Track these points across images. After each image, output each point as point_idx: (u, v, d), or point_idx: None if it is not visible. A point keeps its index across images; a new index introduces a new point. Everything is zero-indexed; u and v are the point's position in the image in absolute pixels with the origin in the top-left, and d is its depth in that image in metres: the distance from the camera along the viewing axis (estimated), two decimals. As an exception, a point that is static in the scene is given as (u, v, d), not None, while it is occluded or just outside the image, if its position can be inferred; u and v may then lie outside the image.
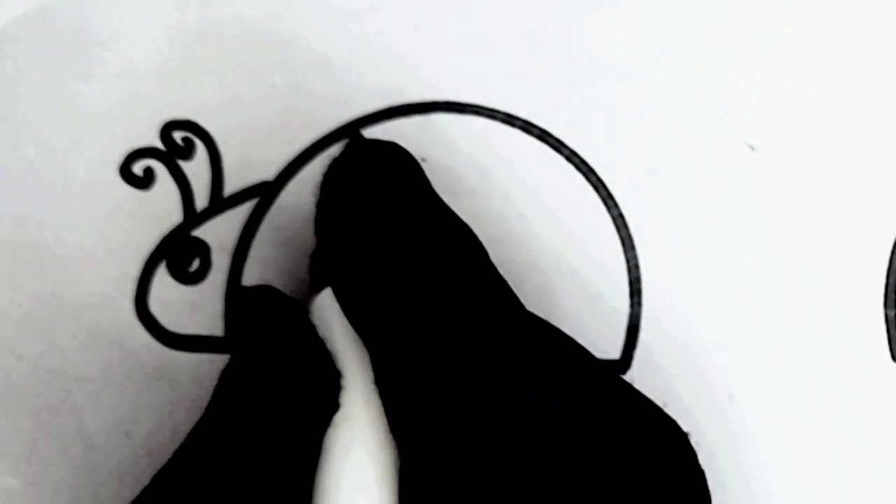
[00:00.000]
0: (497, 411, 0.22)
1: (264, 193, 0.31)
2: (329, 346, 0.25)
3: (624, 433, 0.22)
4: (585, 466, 0.21)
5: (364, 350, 0.24)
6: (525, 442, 0.21)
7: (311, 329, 0.25)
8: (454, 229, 0.26)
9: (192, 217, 0.31)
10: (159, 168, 0.31)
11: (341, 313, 0.25)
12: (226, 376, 0.25)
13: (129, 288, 0.31)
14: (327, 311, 0.25)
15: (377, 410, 0.24)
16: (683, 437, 0.23)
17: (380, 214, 0.25)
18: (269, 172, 0.31)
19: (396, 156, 0.27)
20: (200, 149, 0.31)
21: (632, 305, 0.30)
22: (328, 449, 0.23)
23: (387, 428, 0.23)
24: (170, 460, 0.24)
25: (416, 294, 0.24)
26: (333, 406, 0.24)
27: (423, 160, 0.29)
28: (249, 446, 0.23)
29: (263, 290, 0.26)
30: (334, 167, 0.26)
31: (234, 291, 0.25)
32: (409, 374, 0.23)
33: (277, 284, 0.30)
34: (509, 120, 0.31)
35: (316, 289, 0.27)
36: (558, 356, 0.24)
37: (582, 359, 0.24)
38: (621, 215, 0.31)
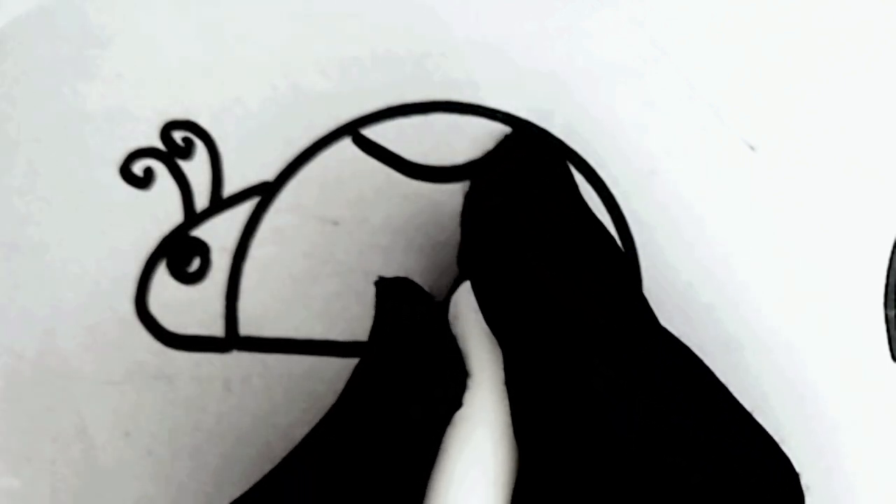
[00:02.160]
0: (619, 426, 0.22)
1: (264, 193, 0.31)
2: (461, 344, 0.25)
3: (740, 466, 0.22)
4: (696, 492, 0.21)
5: (497, 349, 0.24)
6: (641, 460, 0.21)
7: (444, 326, 0.25)
8: (600, 235, 0.26)
9: (192, 217, 0.31)
10: (159, 168, 0.31)
11: (478, 309, 0.25)
12: (359, 366, 0.25)
13: (129, 288, 0.31)
14: (463, 308, 0.25)
15: (502, 412, 0.24)
16: (795, 477, 0.23)
17: (527, 215, 0.25)
18: (269, 172, 0.31)
19: (548, 156, 0.27)
20: (200, 149, 0.31)
21: (632, 305, 0.30)
22: (446, 446, 0.23)
23: (509, 430, 0.23)
24: (296, 447, 0.24)
25: (557, 297, 0.23)
26: (455, 404, 0.24)
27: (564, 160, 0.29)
28: (370, 438, 0.23)
29: (402, 283, 0.26)
30: (487, 160, 0.26)
31: (376, 283, 0.26)
32: (540, 377, 0.23)
33: (277, 284, 0.30)
34: (509, 120, 0.31)
35: (458, 280, 0.27)
36: (686, 379, 0.23)
37: (709, 382, 0.24)
38: (621, 215, 0.31)
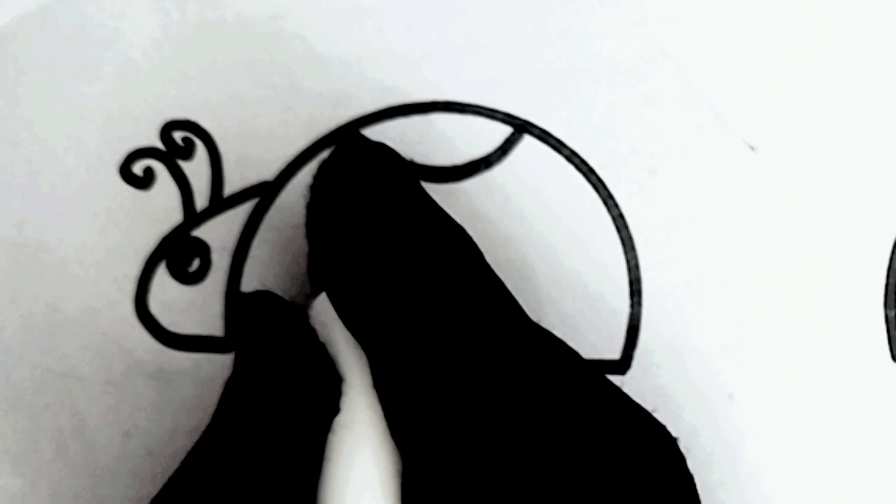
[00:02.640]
0: (491, 417, 0.22)
1: (264, 193, 0.31)
2: (330, 350, 0.25)
3: (613, 438, 0.22)
4: (576, 472, 0.21)
5: (364, 354, 0.24)
6: (518, 447, 0.21)
7: (312, 333, 0.25)
8: (449, 231, 0.26)
9: (192, 217, 0.31)
10: (159, 168, 0.31)
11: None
12: (229, 385, 0.25)
13: (129, 288, 0.31)
14: (325, 315, 0.25)
15: (378, 414, 0.24)
16: (672, 441, 0.23)
17: (372, 217, 0.25)
18: (269, 172, 0.31)
19: (387, 157, 0.27)
20: (200, 149, 0.31)
21: (632, 305, 0.30)
22: (330, 453, 0.23)
23: (387, 432, 0.23)
24: (176, 470, 0.24)
25: (412, 297, 0.24)
26: (333, 410, 0.24)
27: (412, 160, 0.29)
28: (251, 453, 0.23)
29: (262, 296, 0.26)
30: (324, 170, 0.26)
31: (234, 297, 0.26)
32: (405, 378, 0.23)
33: (278, 285, 0.30)
34: (509, 120, 0.31)
35: (314, 292, 0.27)
36: (552, 362, 0.24)
37: (575, 365, 0.24)
38: (621, 215, 0.31)
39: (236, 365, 0.25)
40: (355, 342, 0.25)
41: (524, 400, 0.22)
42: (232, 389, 0.25)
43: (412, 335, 0.23)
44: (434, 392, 0.23)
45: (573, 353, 0.24)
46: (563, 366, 0.24)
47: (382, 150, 0.27)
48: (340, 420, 0.24)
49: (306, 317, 0.26)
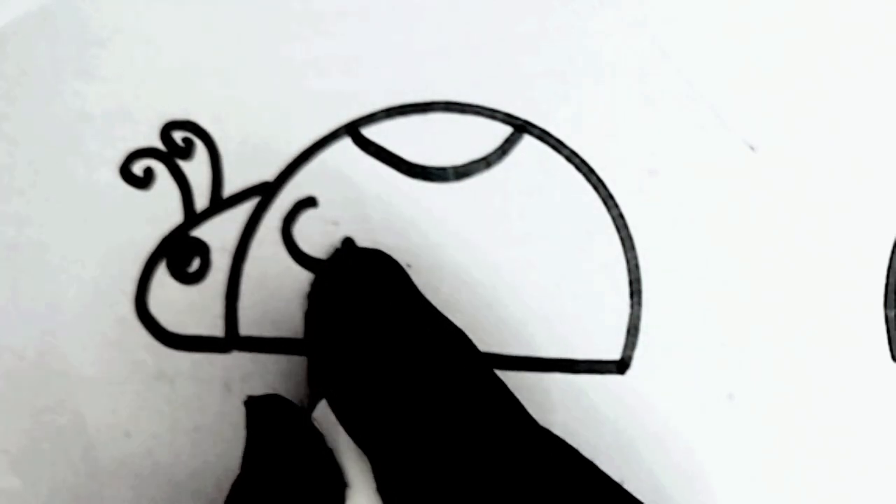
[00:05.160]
0: None
1: (264, 193, 0.31)
2: (336, 456, 0.25)
3: None
4: None
5: (367, 458, 0.25)
6: None
7: (319, 439, 0.25)
8: (449, 336, 0.26)
9: (192, 217, 0.31)
10: (159, 168, 0.31)
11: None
12: (235, 486, 0.25)
13: (129, 288, 0.31)
14: (327, 421, 0.26)
15: None
16: None
17: (370, 325, 0.25)
18: (269, 172, 0.31)
19: (382, 264, 0.27)
20: (200, 149, 0.31)
21: (632, 305, 0.30)
22: None
23: None
24: None
25: (413, 403, 0.24)
26: None
27: (409, 266, 0.29)
28: None
29: (272, 400, 0.26)
30: (321, 279, 0.27)
31: (246, 402, 0.26)
32: (409, 483, 0.23)
33: (277, 284, 0.30)
34: (509, 120, 0.31)
35: (314, 398, 0.27)
36: (555, 465, 0.24)
37: (578, 466, 0.24)
38: (621, 215, 0.31)
39: (244, 466, 0.25)
40: (357, 448, 0.25)
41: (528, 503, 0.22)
42: (238, 491, 0.25)
43: (414, 440, 0.23)
44: (437, 497, 0.23)
45: (575, 454, 0.24)
46: (566, 467, 0.24)
47: (378, 257, 0.27)
48: None
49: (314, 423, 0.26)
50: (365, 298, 0.26)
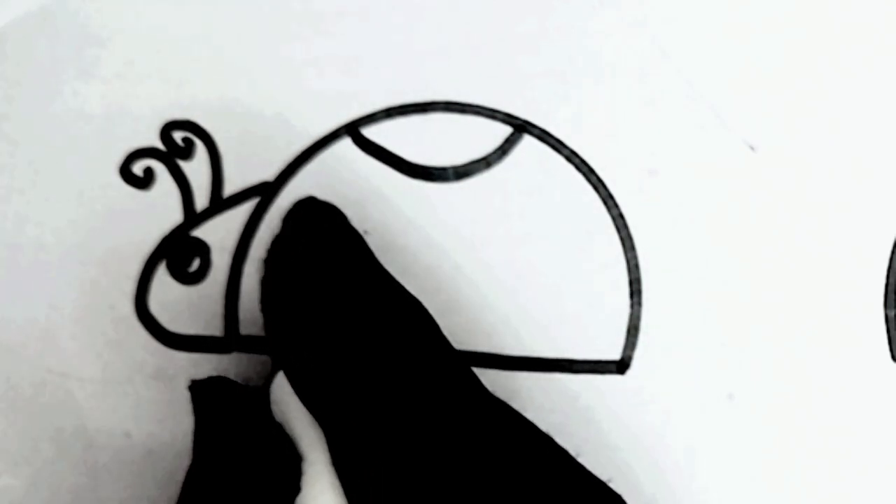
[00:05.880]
0: (449, 493, 0.22)
1: (264, 193, 0.31)
2: (288, 430, 0.25)
3: None
4: None
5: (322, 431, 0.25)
6: None
7: (268, 415, 0.25)
8: (404, 303, 0.26)
9: (192, 217, 0.31)
10: (159, 168, 0.31)
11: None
12: (189, 474, 0.25)
13: (129, 288, 0.31)
14: (284, 393, 0.25)
15: (339, 491, 0.24)
16: None
17: (325, 293, 0.25)
18: (269, 172, 0.31)
19: (338, 227, 0.27)
20: (200, 149, 0.31)
21: (632, 305, 0.30)
22: None
23: None
24: None
25: (367, 373, 0.24)
26: (294, 489, 0.24)
27: (366, 232, 0.29)
28: None
29: (216, 382, 0.26)
30: (276, 243, 0.27)
31: (190, 388, 0.26)
32: (364, 455, 0.23)
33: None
34: (509, 120, 0.31)
35: (273, 369, 0.27)
36: (508, 436, 0.24)
37: (531, 438, 0.24)
38: (621, 215, 0.31)
39: (195, 454, 0.25)
40: (314, 420, 0.25)
41: (481, 474, 0.22)
42: (192, 478, 0.25)
43: (369, 411, 0.23)
44: (392, 468, 0.22)
45: (530, 426, 0.24)
46: (519, 439, 0.24)
47: (333, 215, 0.27)
48: (302, 499, 0.24)
49: (262, 399, 0.26)
50: (320, 265, 0.26)
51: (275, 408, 0.26)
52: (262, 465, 0.24)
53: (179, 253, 0.31)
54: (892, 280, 0.30)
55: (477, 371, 0.25)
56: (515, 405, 0.24)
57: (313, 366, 0.24)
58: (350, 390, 0.24)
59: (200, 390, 0.26)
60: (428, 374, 0.24)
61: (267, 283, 0.27)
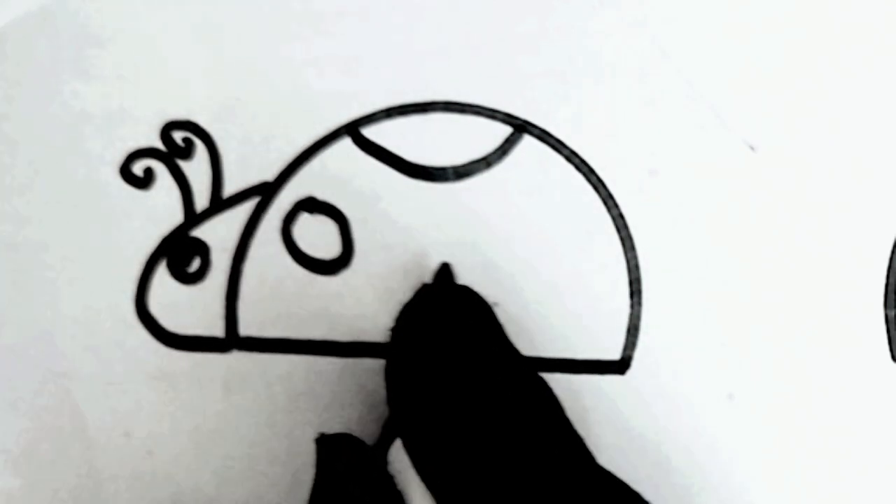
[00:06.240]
0: None
1: (264, 193, 0.31)
2: (406, 498, 0.25)
3: None
4: None
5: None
6: None
7: (390, 481, 0.25)
8: (530, 384, 0.26)
9: (192, 217, 0.31)
10: (159, 168, 0.31)
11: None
12: None
13: (129, 288, 0.31)
14: (400, 463, 0.26)
15: None
16: None
17: (452, 366, 0.25)
18: (269, 172, 0.31)
19: (469, 303, 0.27)
20: (200, 149, 0.31)
21: (632, 305, 0.30)
22: None
23: None
24: None
25: (487, 453, 0.24)
26: None
27: (496, 304, 0.28)
28: None
29: (343, 440, 0.26)
30: (406, 313, 0.27)
31: (317, 440, 0.26)
32: None
33: (277, 284, 0.30)
34: (509, 120, 0.31)
35: (386, 439, 0.27)
36: None
37: None
38: (621, 215, 0.31)
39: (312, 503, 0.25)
40: (427, 491, 0.25)
41: None
42: None
43: (486, 492, 0.23)
44: None
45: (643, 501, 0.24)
46: None
47: (465, 294, 0.27)
48: None
49: (385, 463, 0.26)
50: (449, 341, 0.26)
51: (395, 475, 0.26)
52: None
53: (179, 253, 0.31)
54: (892, 280, 0.30)
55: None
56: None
57: (433, 443, 0.24)
58: (467, 471, 0.24)
59: (327, 444, 0.26)
60: (548, 461, 0.24)
61: (393, 353, 0.27)
